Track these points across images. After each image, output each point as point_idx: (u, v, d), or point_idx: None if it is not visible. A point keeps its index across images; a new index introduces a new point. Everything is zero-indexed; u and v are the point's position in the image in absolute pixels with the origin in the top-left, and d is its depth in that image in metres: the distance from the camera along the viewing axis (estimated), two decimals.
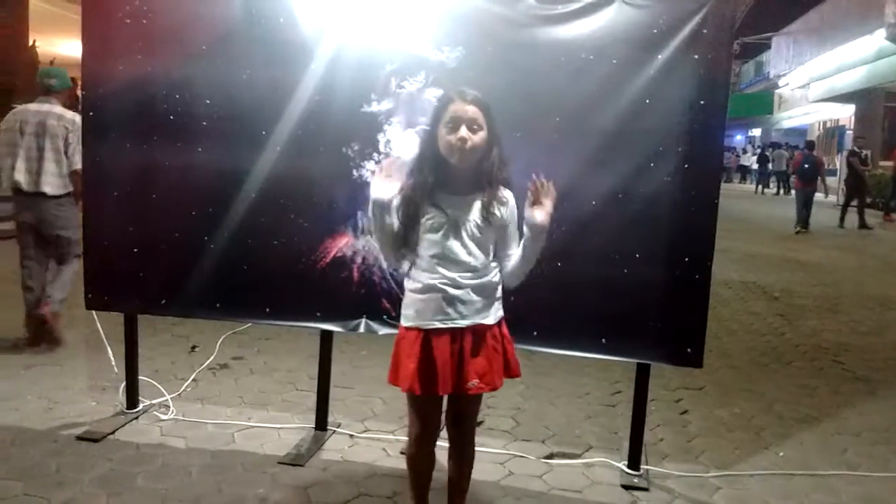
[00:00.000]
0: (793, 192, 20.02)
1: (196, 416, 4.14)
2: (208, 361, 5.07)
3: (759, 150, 33.31)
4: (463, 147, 2.54)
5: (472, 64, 3.41)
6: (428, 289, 2.62)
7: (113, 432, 3.86)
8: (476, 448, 2.87)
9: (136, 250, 3.81)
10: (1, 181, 5.31)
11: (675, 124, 3.32)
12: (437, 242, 2.61)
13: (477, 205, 2.63)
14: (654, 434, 4.16)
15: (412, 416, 2.75)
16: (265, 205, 3.68)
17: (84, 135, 3.88)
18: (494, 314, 2.69)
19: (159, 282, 3.84)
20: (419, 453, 2.80)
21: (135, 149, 3.75)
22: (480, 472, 3.54)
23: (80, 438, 3.77)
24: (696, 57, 3.27)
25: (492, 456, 3.77)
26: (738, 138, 45.94)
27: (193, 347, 5.42)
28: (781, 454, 4.03)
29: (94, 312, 4.15)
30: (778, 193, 28.12)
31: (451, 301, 2.60)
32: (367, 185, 3.58)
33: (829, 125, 33.44)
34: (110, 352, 4.33)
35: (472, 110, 2.55)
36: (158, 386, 4.39)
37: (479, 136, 2.56)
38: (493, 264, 2.70)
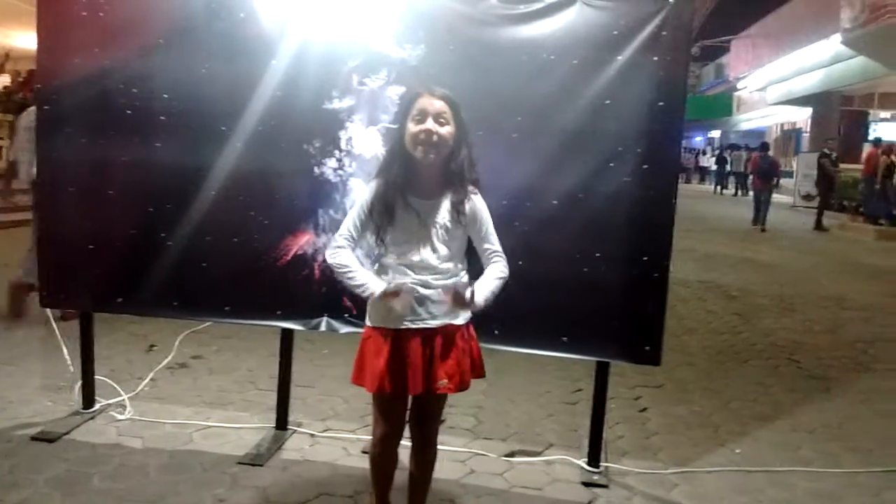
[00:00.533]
0: (751, 192, 20.50)
1: (153, 416, 4.08)
2: (166, 360, 5.00)
3: (717, 152, 33.80)
4: (429, 140, 2.52)
5: (433, 61, 3.41)
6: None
7: (68, 432, 3.79)
8: (438, 446, 2.86)
9: (91, 247, 3.74)
10: (19, 175, 5.78)
11: (633, 125, 3.35)
12: (408, 247, 2.59)
13: (446, 206, 2.62)
14: (613, 431, 4.20)
15: (377, 415, 2.73)
16: (225, 202, 3.63)
17: (39, 129, 3.80)
18: (464, 315, 2.68)
19: (115, 279, 3.78)
20: (384, 452, 2.79)
21: (91, 144, 3.69)
22: (442, 470, 3.54)
23: (34, 439, 3.70)
24: (655, 59, 3.30)
25: (453, 454, 3.77)
26: (698, 139, 46.58)
27: (151, 346, 5.34)
28: (738, 451, 4.09)
29: (48, 310, 4.07)
30: (736, 194, 28.52)
31: (422, 301, 2.59)
32: (328, 182, 3.58)
33: (786, 128, 34.06)
34: (66, 351, 4.24)
35: (439, 104, 2.55)
36: (115, 385, 4.31)
37: (446, 130, 2.55)
38: (461, 265, 2.70)
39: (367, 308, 2.69)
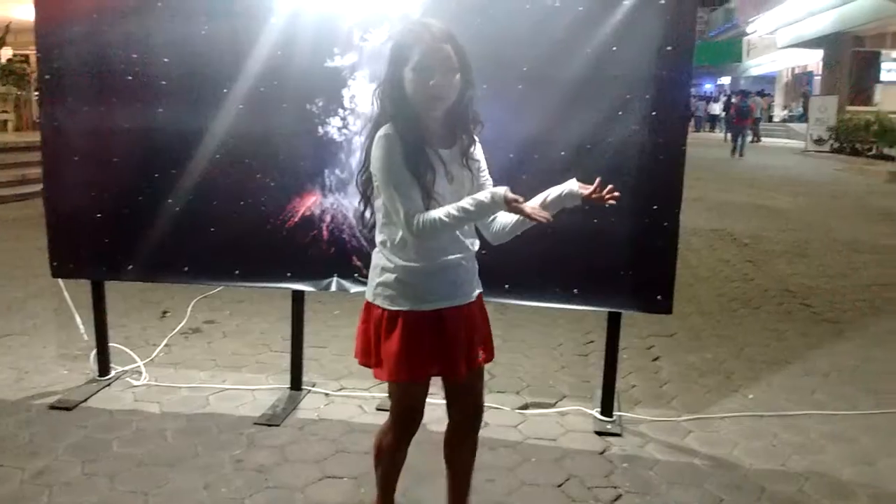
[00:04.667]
0: (761, 139, 20.93)
1: (169, 381, 4.11)
2: (180, 326, 5.03)
3: (725, 98, 33.08)
4: (440, 95, 2.18)
5: (436, 13, 3.31)
6: (442, 266, 2.28)
7: (85, 400, 3.83)
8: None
9: (99, 215, 3.75)
10: None
11: (641, 71, 3.28)
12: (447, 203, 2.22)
13: (462, 153, 2.31)
14: (626, 381, 4.21)
15: (404, 405, 2.41)
16: (230, 165, 3.61)
17: (42, 99, 3.79)
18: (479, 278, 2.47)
19: (125, 247, 3.77)
20: (404, 447, 2.49)
21: (93, 111, 3.67)
22: None
23: (52, 407, 3.74)
24: (662, 2, 3.22)
25: None
26: (708, 87, 45.96)
27: (164, 312, 5.37)
28: (751, 396, 4.09)
29: (60, 280, 4.08)
30: (751, 141, 27.57)
31: (466, 273, 2.35)
32: (332, 142, 3.54)
33: (797, 71, 33.55)
34: (79, 319, 4.26)
35: (445, 50, 2.16)
36: (130, 352, 4.35)
37: (456, 80, 2.20)
38: None
39: (385, 288, 2.30)
